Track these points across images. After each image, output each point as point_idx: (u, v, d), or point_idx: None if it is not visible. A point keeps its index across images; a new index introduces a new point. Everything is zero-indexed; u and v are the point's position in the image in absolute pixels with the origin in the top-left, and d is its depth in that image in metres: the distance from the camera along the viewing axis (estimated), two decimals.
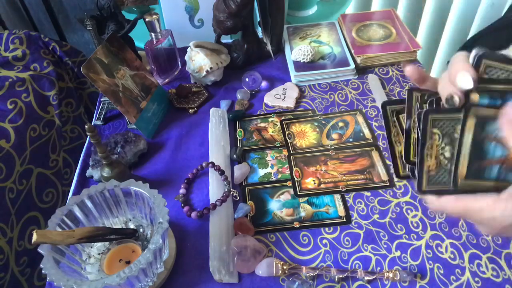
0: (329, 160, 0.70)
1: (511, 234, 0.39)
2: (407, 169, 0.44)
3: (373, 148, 0.71)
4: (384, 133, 0.74)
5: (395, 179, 0.65)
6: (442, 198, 0.40)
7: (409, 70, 0.41)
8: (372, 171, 0.67)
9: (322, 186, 0.66)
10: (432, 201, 0.41)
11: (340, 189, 0.65)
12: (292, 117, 0.79)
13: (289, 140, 0.74)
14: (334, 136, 0.74)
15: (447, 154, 0.39)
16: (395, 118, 0.45)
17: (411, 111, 0.43)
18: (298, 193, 0.65)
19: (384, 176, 0.66)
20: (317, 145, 0.73)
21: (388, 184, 0.65)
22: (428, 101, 0.42)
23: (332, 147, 0.72)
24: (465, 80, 0.36)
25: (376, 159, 0.69)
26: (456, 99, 0.37)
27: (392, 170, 0.54)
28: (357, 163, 0.69)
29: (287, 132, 0.75)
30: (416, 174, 0.40)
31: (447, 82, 0.38)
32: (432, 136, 0.39)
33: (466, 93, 0.37)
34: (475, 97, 0.37)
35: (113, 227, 0.57)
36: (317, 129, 0.76)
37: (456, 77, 0.36)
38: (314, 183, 0.66)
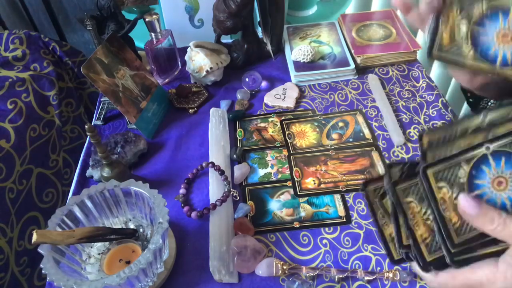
0: (329, 160, 0.70)
1: None
2: (400, 253, 0.40)
3: (373, 148, 0.71)
4: (385, 133, 0.74)
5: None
6: (439, 276, 0.38)
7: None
8: (372, 171, 0.67)
9: (322, 186, 0.66)
10: (431, 280, 0.39)
11: (340, 189, 0.65)
12: (292, 117, 0.79)
13: (289, 140, 0.74)
14: (334, 136, 0.74)
15: (432, 217, 0.37)
16: (377, 199, 0.41)
17: (372, 207, 0.41)
18: (298, 193, 0.65)
19: None
20: (317, 145, 0.73)
21: None
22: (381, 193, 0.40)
23: (332, 147, 0.72)
24: None
25: (376, 159, 0.69)
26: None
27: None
28: (357, 163, 0.69)
29: (287, 132, 0.75)
30: (413, 252, 0.37)
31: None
32: (408, 205, 0.37)
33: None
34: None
35: (113, 227, 0.57)
36: (317, 129, 0.76)
37: None
38: (314, 183, 0.66)
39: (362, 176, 0.67)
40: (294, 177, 0.67)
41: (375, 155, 0.70)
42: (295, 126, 0.76)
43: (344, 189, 0.65)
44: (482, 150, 0.35)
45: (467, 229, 0.36)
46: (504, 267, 0.34)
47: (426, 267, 0.37)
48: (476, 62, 0.39)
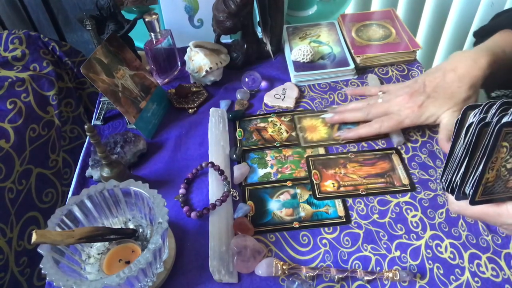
0: (348, 163, 0.69)
1: None
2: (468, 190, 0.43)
3: (393, 151, 0.70)
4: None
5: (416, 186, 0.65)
6: (461, 201, 0.40)
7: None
8: (392, 175, 0.66)
9: (342, 189, 0.65)
10: (452, 201, 0.43)
11: (360, 192, 0.64)
12: (297, 113, 0.79)
13: (300, 134, 0.74)
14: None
15: (509, 166, 0.40)
16: (507, 143, 0.41)
17: (495, 146, 0.41)
18: (318, 196, 0.64)
19: (405, 180, 0.65)
20: (328, 139, 0.73)
21: (409, 188, 0.64)
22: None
23: (351, 151, 0.71)
24: None
25: (397, 163, 0.68)
26: None
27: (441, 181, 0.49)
28: (377, 166, 0.68)
29: (298, 126, 0.75)
30: (471, 186, 0.42)
31: None
32: (500, 149, 0.39)
33: None
34: None
35: (113, 227, 0.57)
36: (328, 124, 0.76)
37: None
38: (334, 186, 0.66)
39: (383, 180, 0.66)
40: (313, 179, 0.67)
41: (395, 159, 0.68)
42: (305, 120, 0.77)
43: (364, 193, 0.64)
44: None
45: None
46: None
47: (472, 203, 0.44)
48: None
